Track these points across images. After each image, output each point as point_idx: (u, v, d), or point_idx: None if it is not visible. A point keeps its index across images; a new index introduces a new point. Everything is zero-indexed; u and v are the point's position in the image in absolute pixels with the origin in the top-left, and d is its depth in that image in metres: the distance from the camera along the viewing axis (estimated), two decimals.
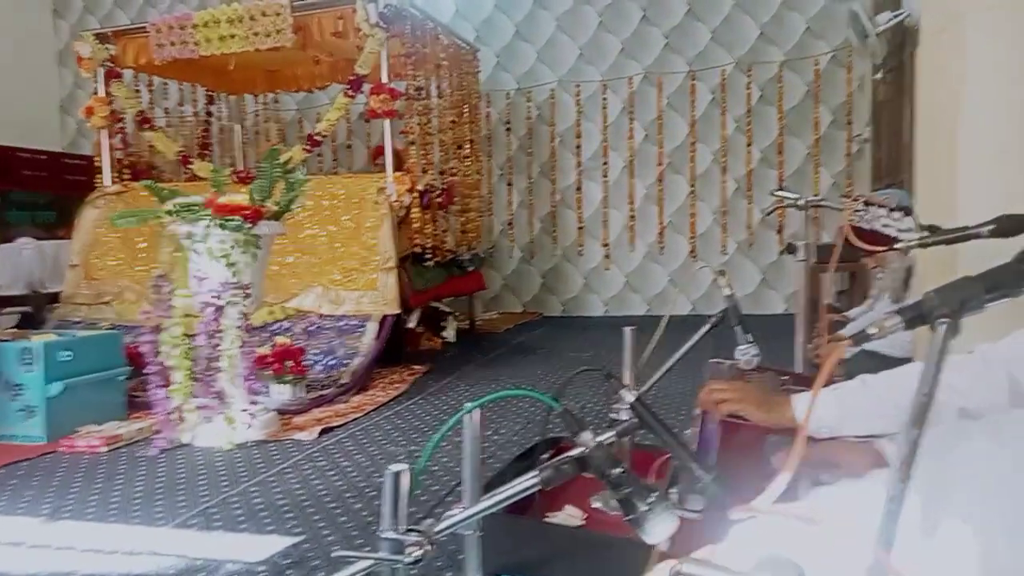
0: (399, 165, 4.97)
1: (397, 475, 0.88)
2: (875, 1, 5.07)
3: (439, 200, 5.23)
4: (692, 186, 6.77)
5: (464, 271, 5.67)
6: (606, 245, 7.02)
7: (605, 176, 6.95)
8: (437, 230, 5.13)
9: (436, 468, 2.69)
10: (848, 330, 3.25)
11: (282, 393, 3.74)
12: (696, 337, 1.72)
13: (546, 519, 1.77)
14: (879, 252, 1.86)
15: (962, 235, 1.55)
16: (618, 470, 0.86)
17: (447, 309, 5.59)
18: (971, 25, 1.90)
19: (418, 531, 0.89)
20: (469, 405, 1.06)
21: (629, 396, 1.10)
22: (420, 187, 4.84)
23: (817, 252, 2.59)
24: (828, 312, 2.89)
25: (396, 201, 4.64)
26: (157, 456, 3.03)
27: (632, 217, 6.92)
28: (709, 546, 0.79)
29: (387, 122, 4.85)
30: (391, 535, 0.87)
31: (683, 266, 6.82)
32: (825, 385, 1.38)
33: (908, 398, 1.30)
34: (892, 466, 0.53)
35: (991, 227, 1.51)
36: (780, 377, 1.62)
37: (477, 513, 0.90)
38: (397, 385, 4.22)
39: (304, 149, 4.92)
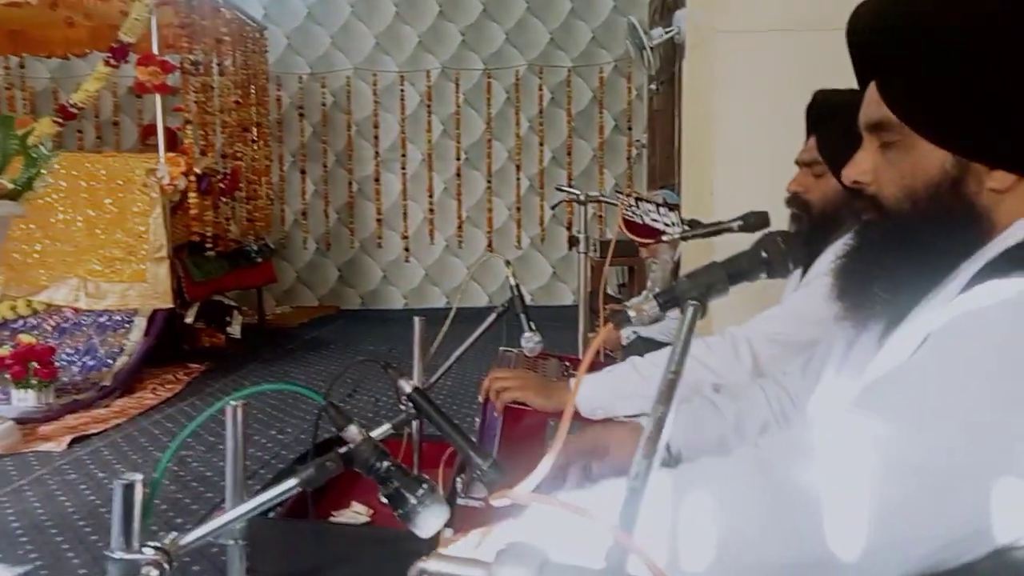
0: (173, 146, 4.52)
1: (128, 486, 0.76)
2: (651, 16, 5.51)
3: (221, 185, 4.84)
4: (489, 182, 6.91)
5: (252, 262, 5.31)
6: (405, 238, 6.95)
7: (404, 168, 6.87)
8: (219, 217, 4.75)
9: (211, 473, 2.47)
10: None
11: (24, 399, 3.24)
12: (482, 327, 1.73)
13: (331, 519, 1.69)
14: (648, 244, 2.00)
15: (715, 229, 1.72)
16: (386, 464, 0.82)
17: (232, 303, 5.20)
18: (721, 44, 2.11)
19: (157, 547, 0.78)
20: (224, 400, 0.95)
21: (407, 386, 1.06)
22: (198, 170, 4.43)
23: (601, 248, 2.76)
24: (608, 302, 3.08)
25: (169, 184, 4.20)
26: None
27: (431, 210, 6.91)
28: (479, 529, 0.77)
29: (159, 98, 4.38)
30: (121, 555, 0.76)
31: (481, 261, 6.94)
32: (593, 369, 1.45)
33: None
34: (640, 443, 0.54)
35: (739, 222, 1.68)
36: (563, 363, 1.68)
37: (227, 523, 0.80)
38: (171, 386, 3.84)
39: (55, 121, 4.28)
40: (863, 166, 0.79)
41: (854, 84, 0.86)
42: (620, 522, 0.45)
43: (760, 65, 2.02)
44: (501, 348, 1.74)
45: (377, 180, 6.90)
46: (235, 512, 0.82)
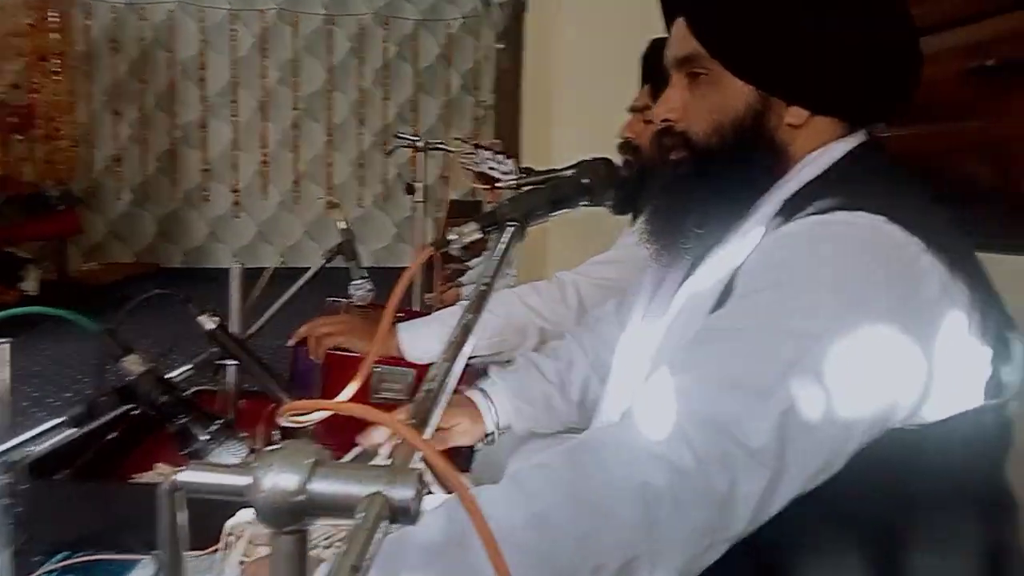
0: None
1: None
2: None
3: (13, 120, 4.25)
4: (329, 135, 6.60)
5: (51, 210, 4.73)
6: (236, 191, 6.49)
7: (235, 115, 6.39)
8: (9, 156, 4.17)
9: None
10: (467, 277, 3.49)
11: None
12: (309, 274, 1.65)
13: (131, 481, 1.54)
14: (486, 189, 1.98)
15: (550, 176, 1.72)
16: (171, 398, 0.73)
17: (26, 255, 4.61)
18: None
19: None
20: None
21: (209, 323, 0.96)
22: None
23: (449, 209, 2.77)
24: (450, 261, 3.04)
25: None
26: None
27: (265, 163, 6.50)
28: None
29: None
30: None
31: (319, 218, 6.64)
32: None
33: (498, 321, 1.38)
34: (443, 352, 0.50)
35: (573, 170, 1.69)
36: (396, 314, 1.62)
37: None
38: None
39: None
40: (672, 103, 0.80)
41: None
42: (412, 421, 0.42)
43: (598, 19, 2.05)
44: (328, 298, 1.66)
45: (204, 127, 6.37)
46: None
